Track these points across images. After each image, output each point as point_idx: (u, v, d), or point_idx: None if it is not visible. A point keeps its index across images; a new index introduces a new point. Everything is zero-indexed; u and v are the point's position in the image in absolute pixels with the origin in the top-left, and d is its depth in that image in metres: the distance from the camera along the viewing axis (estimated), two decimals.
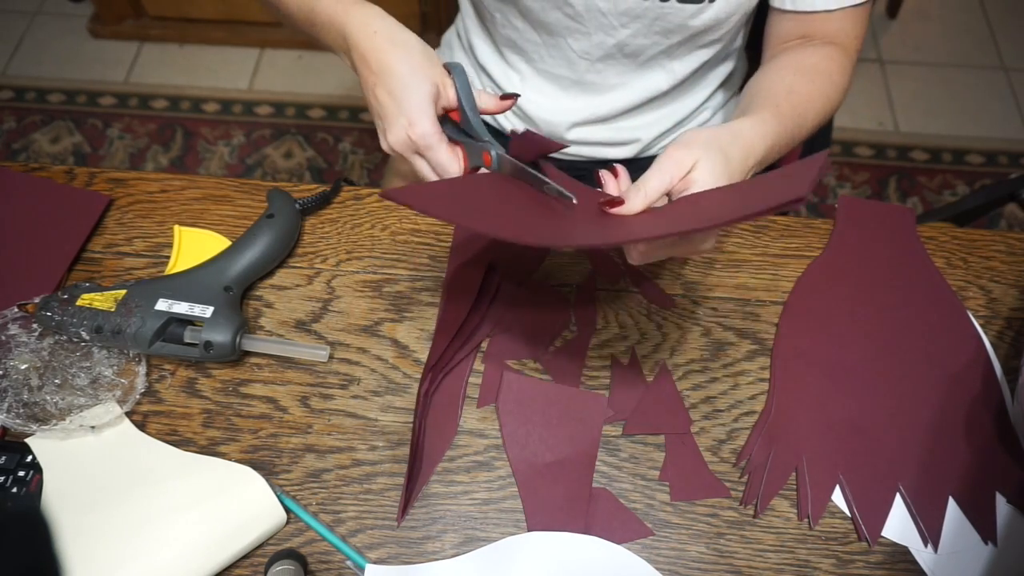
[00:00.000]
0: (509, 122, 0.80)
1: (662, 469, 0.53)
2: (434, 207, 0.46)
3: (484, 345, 0.59)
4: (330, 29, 0.57)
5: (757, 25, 0.72)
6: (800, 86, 0.60)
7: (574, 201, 0.50)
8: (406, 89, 0.52)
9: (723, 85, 0.78)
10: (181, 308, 0.54)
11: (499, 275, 0.61)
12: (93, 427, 0.52)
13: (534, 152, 0.54)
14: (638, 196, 0.49)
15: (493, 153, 0.53)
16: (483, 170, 0.55)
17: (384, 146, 0.55)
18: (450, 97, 0.54)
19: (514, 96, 0.56)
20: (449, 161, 0.53)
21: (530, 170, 0.52)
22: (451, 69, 0.54)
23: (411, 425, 0.54)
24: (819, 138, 0.87)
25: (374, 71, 0.53)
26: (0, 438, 0.53)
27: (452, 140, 0.54)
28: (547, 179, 0.51)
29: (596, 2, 0.63)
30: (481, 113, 0.55)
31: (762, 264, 0.63)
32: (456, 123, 0.55)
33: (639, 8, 0.63)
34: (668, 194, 0.50)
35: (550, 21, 0.66)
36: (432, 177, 0.55)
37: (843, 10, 0.62)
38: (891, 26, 1.89)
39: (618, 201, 0.49)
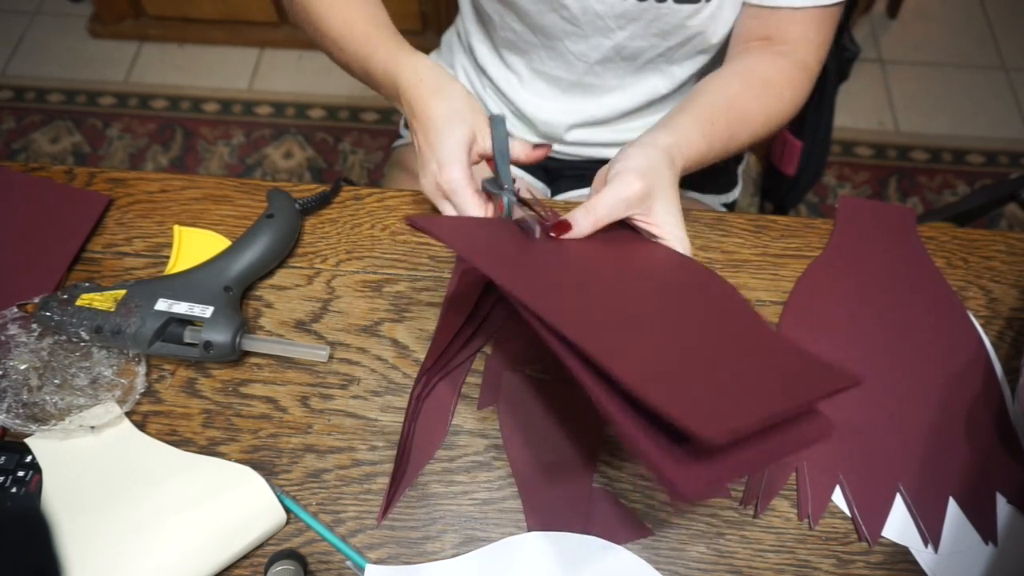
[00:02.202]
0: (509, 122, 0.80)
1: None
2: (451, 238, 0.47)
3: (487, 347, 0.59)
4: (384, 80, 0.59)
5: None
6: (743, 101, 0.60)
7: (536, 235, 0.50)
8: (439, 134, 0.53)
9: None
10: (181, 308, 0.54)
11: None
12: (93, 427, 0.52)
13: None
14: (587, 220, 0.50)
15: (505, 200, 0.54)
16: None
17: (422, 189, 0.56)
18: (486, 146, 0.55)
19: (547, 146, 0.56)
20: (476, 208, 0.53)
21: (539, 211, 0.53)
22: (492, 119, 0.55)
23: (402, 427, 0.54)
24: (819, 138, 0.87)
25: (417, 117, 0.55)
26: (0, 438, 0.53)
27: (487, 192, 0.55)
28: (528, 220, 0.51)
29: (592, 5, 0.63)
30: (512, 162, 0.56)
31: (762, 264, 0.63)
32: (490, 180, 0.56)
33: (636, 10, 0.63)
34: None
35: (547, 24, 0.66)
36: None
37: (805, 11, 0.61)
38: (891, 26, 1.89)
39: (565, 225, 0.50)
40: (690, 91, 0.62)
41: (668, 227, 0.51)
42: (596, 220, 0.50)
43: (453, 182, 0.52)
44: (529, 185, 0.84)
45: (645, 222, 0.51)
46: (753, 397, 0.36)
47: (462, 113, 0.53)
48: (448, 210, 0.55)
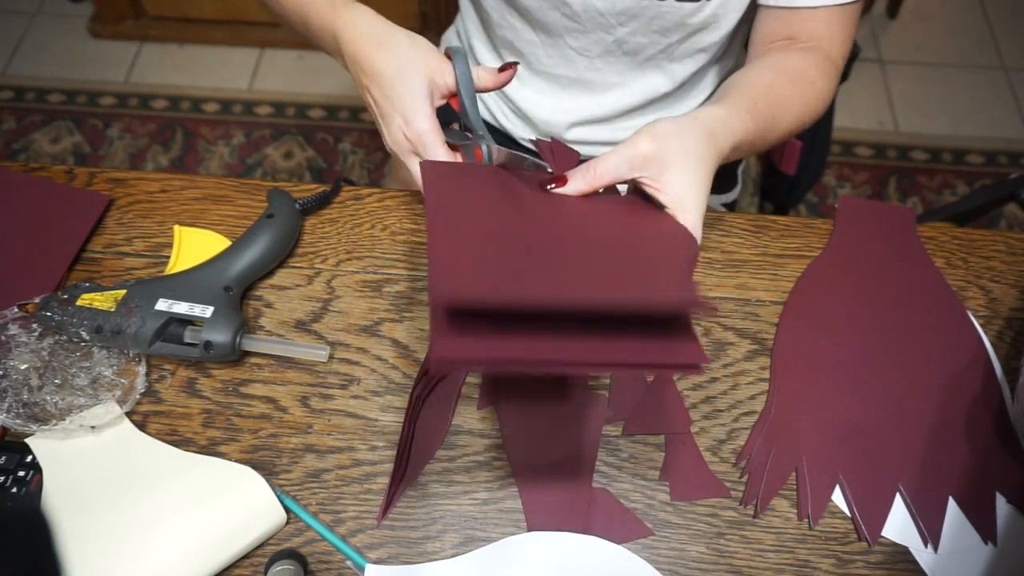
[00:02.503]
0: (509, 121, 0.80)
1: (662, 469, 0.53)
2: (431, 186, 0.46)
3: None
4: (323, 34, 0.56)
5: None
6: (780, 87, 0.58)
7: (549, 170, 0.48)
8: (395, 87, 0.51)
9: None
10: (181, 308, 0.54)
11: None
12: (93, 427, 0.52)
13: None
14: (584, 176, 0.48)
15: (484, 147, 0.52)
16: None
17: (387, 147, 0.54)
18: (449, 83, 0.52)
19: (512, 65, 0.54)
20: (447, 159, 0.52)
21: (524, 156, 0.51)
22: (452, 54, 0.53)
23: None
24: (819, 138, 0.87)
25: (366, 72, 0.53)
26: (0, 438, 0.53)
27: (451, 145, 0.53)
28: (526, 156, 0.50)
29: (593, 2, 0.63)
30: (478, 91, 0.53)
31: (762, 264, 0.63)
32: (453, 128, 0.54)
33: (637, 7, 0.63)
34: (629, 181, 0.49)
35: (548, 21, 0.66)
36: None
37: (828, 9, 0.60)
38: (891, 26, 1.89)
39: (560, 179, 0.48)
40: (721, 87, 0.59)
41: (676, 195, 0.47)
42: (594, 177, 0.47)
43: (422, 134, 0.51)
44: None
45: (653, 187, 0.48)
46: (530, 288, 0.36)
47: (413, 61, 0.51)
48: (416, 165, 0.53)
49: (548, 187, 0.49)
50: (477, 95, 0.53)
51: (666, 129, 0.48)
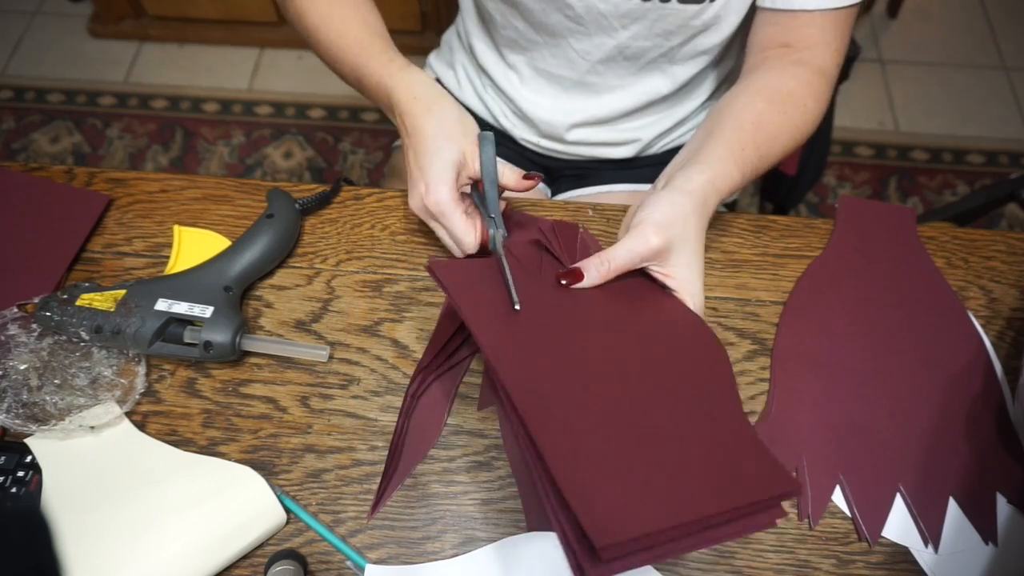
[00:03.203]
0: (509, 122, 0.80)
1: None
2: (452, 284, 0.49)
3: None
4: (379, 93, 0.59)
5: None
6: (770, 118, 0.59)
7: (516, 308, 0.49)
8: (428, 154, 0.53)
9: (723, 84, 0.78)
10: (181, 308, 0.54)
11: None
12: (93, 427, 0.52)
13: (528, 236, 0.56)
14: (599, 270, 0.51)
15: (492, 233, 0.54)
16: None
17: (409, 206, 0.57)
18: (476, 168, 0.55)
19: (537, 176, 0.56)
20: (464, 231, 0.54)
21: (504, 268, 0.51)
22: (480, 139, 0.55)
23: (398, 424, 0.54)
24: (819, 138, 0.87)
25: (409, 133, 0.55)
26: (0, 438, 0.53)
27: (478, 212, 0.56)
28: (510, 280, 0.50)
29: (596, 5, 0.63)
30: (501, 188, 0.56)
31: (762, 264, 0.63)
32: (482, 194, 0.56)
33: (640, 10, 0.63)
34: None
35: (551, 23, 0.66)
36: (448, 242, 0.56)
37: (824, 13, 0.61)
38: (891, 26, 1.89)
39: (577, 275, 0.51)
40: (714, 112, 0.61)
41: (682, 280, 0.51)
42: (608, 272, 0.51)
43: (440, 204, 0.53)
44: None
45: (660, 272, 0.52)
46: (665, 502, 0.37)
47: (452, 134, 0.54)
48: (437, 230, 0.56)
49: (563, 282, 0.51)
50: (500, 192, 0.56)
51: (669, 217, 0.51)
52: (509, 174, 0.56)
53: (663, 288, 0.52)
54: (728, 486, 0.39)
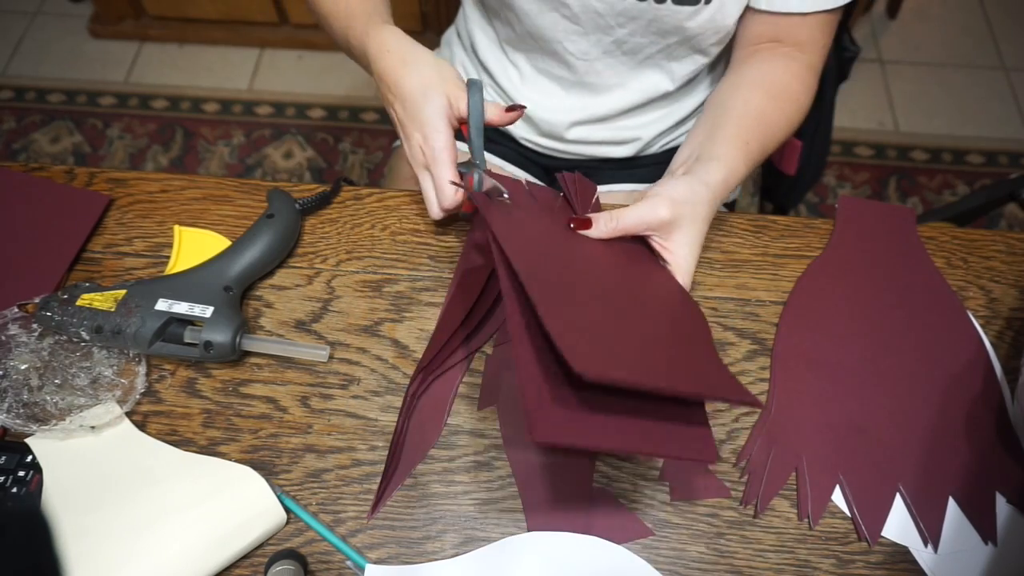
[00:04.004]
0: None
1: (662, 469, 0.53)
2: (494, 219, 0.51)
3: (488, 347, 0.59)
4: (359, 54, 0.61)
5: None
6: (770, 112, 0.62)
7: (506, 196, 0.54)
8: (416, 104, 0.54)
9: None
10: (181, 308, 0.54)
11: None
12: (93, 427, 0.52)
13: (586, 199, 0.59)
14: (607, 224, 0.54)
15: (476, 176, 0.55)
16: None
17: (408, 160, 0.58)
18: (462, 110, 0.56)
19: (520, 107, 0.57)
20: (448, 185, 0.55)
21: (497, 183, 0.55)
22: (470, 84, 0.56)
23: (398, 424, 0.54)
24: (819, 138, 0.87)
25: (391, 88, 0.56)
26: (0, 438, 0.53)
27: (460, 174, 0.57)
28: (501, 184, 0.55)
29: (592, 3, 0.63)
30: (487, 124, 0.57)
31: (762, 264, 0.63)
32: (463, 163, 0.57)
33: (635, 9, 0.63)
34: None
35: (546, 24, 0.67)
36: (433, 200, 0.57)
37: (815, 15, 0.63)
38: (891, 26, 1.89)
39: (587, 223, 0.54)
40: (714, 104, 0.63)
41: (679, 257, 0.54)
42: (615, 228, 0.54)
43: (436, 151, 0.54)
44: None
45: (660, 244, 0.55)
46: (643, 368, 0.41)
47: (434, 82, 0.54)
48: (427, 182, 0.57)
49: (572, 226, 0.55)
50: (484, 129, 0.57)
51: (682, 196, 0.54)
52: (492, 110, 0.57)
53: (660, 261, 0.55)
54: (697, 381, 0.43)
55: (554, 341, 0.38)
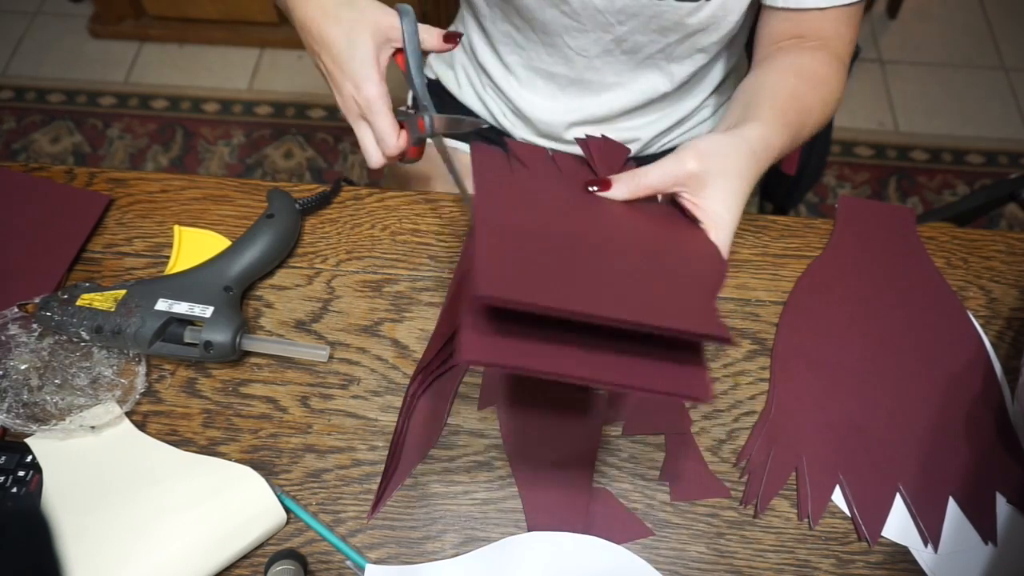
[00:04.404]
0: (508, 121, 0.80)
1: (662, 469, 0.53)
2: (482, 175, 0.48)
3: None
4: (288, 9, 0.58)
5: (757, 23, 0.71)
6: (804, 92, 0.58)
7: (484, 125, 0.52)
8: (343, 53, 0.53)
9: (723, 84, 0.78)
10: (181, 308, 0.54)
11: None
12: (93, 427, 0.52)
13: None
14: (628, 184, 0.49)
15: (426, 118, 0.54)
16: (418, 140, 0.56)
17: (340, 112, 0.56)
18: (396, 40, 0.54)
19: (457, 35, 0.56)
20: (388, 131, 0.54)
21: (454, 117, 0.54)
22: (401, 13, 0.54)
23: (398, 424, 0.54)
24: (819, 138, 0.87)
25: (316, 40, 0.55)
26: (0, 438, 0.53)
27: (400, 121, 0.55)
28: (464, 118, 0.53)
29: (592, 0, 0.63)
30: (423, 51, 0.55)
31: (762, 264, 0.63)
32: (399, 109, 0.56)
33: (635, 6, 0.63)
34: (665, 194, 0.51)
35: (547, 19, 0.66)
36: (373, 150, 0.56)
37: (836, 9, 0.61)
38: (891, 26, 1.89)
39: (606, 184, 0.50)
40: (745, 88, 0.60)
41: (711, 213, 0.49)
42: (637, 188, 0.49)
43: (371, 100, 0.53)
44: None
45: (691, 201, 0.49)
46: (583, 295, 0.37)
47: (359, 26, 0.53)
48: (365, 132, 0.55)
49: (591, 188, 0.50)
50: (424, 62, 0.55)
51: (712, 148, 0.49)
52: (428, 36, 0.55)
53: (693, 220, 0.50)
54: (648, 308, 0.38)
55: (474, 263, 0.37)
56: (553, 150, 0.57)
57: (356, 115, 0.55)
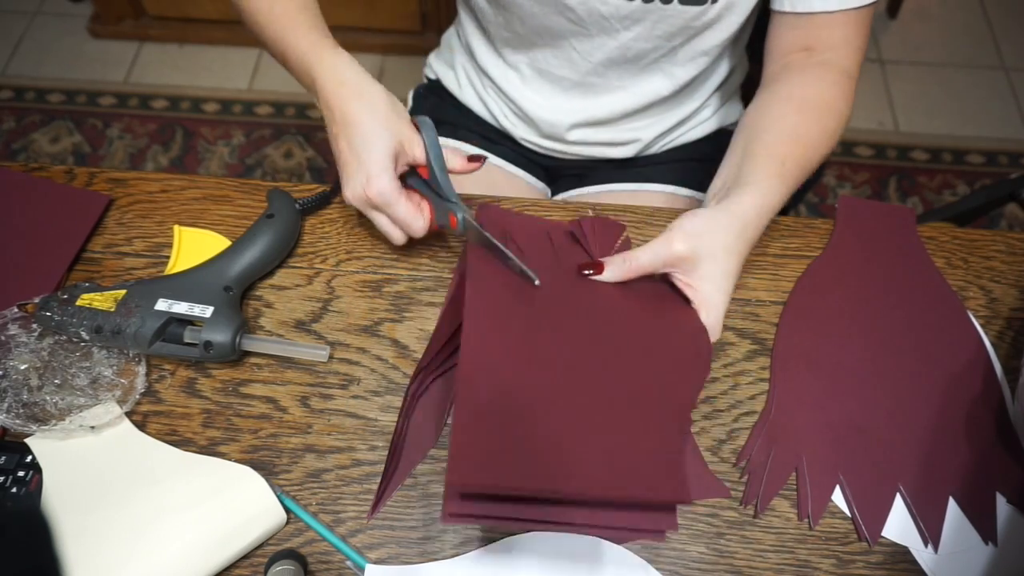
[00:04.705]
0: (509, 122, 0.80)
1: None
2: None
3: None
4: (300, 69, 0.58)
5: (758, 23, 0.71)
6: (805, 129, 0.58)
7: (536, 282, 0.52)
8: (366, 143, 0.52)
9: (724, 84, 0.78)
10: (181, 308, 0.54)
11: None
12: (93, 427, 0.52)
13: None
14: (620, 267, 0.52)
15: (459, 216, 0.54)
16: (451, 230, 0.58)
17: (344, 196, 0.55)
18: (415, 154, 0.54)
19: (482, 158, 0.56)
20: (411, 216, 0.54)
21: (495, 242, 0.53)
22: (420, 124, 0.54)
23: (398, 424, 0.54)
24: None
25: (338, 121, 0.54)
26: (0, 438, 0.53)
27: (421, 195, 0.56)
28: (511, 255, 0.53)
29: (598, 7, 0.63)
30: (449, 172, 0.55)
31: (762, 264, 0.63)
32: (424, 179, 0.56)
33: (641, 11, 0.63)
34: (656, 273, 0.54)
35: (551, 25, 0.66)
36: (391, 229, 0.56)
37: (844, 13, 0.60)
38: (891, 26, 1.89)
39: (599, 267, 0.52)
40: (747, 126, 0.60)
41: (703, 293, 0.51)
42: (628, 270, 0.52)
43: (385, 194, 0.52)
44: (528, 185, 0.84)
45: (684, 281, 0.52)
46: (548, 468, 0.41)
47: (387, 121, 0.53)
48: (379, 219, 0.55)
49: (585, 272, 0.53)
50: (445, 166, 0.55)
51: (700, 228, 0.51)
52: (453, 158, 0.55)
53: (685, 299, 0.53)
54: (609, 478, 0.42)
55: (449, 449, 0.40)
56: (548, 220, 0.59)
57: (366, 204, 0.54)
